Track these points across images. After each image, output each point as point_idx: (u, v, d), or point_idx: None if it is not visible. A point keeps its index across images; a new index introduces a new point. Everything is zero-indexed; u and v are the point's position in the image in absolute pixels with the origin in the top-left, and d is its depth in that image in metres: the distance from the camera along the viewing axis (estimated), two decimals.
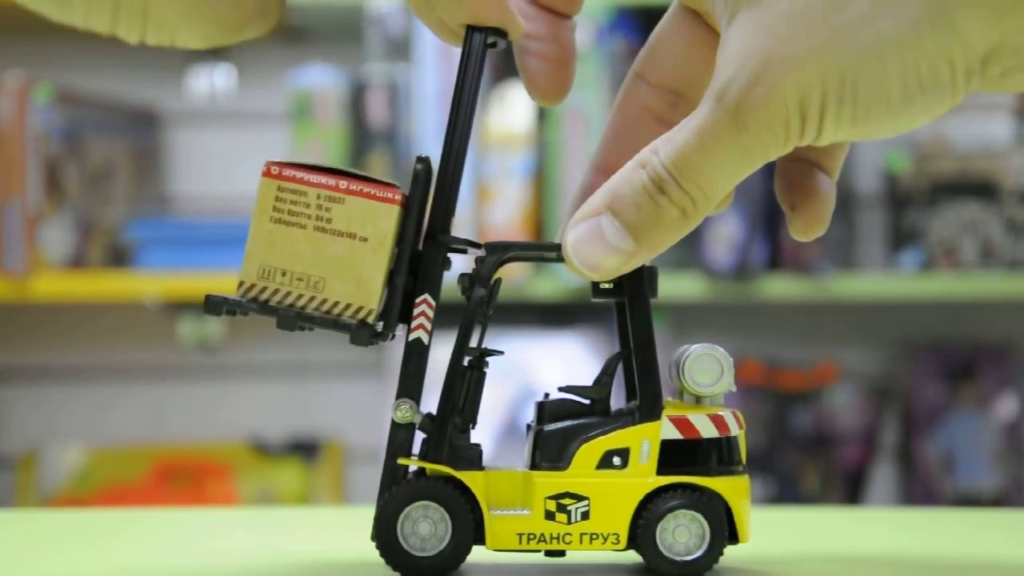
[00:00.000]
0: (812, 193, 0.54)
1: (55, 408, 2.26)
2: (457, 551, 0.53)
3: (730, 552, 0.56)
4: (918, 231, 2.04)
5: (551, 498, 0.53)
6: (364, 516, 0.55)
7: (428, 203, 0.54)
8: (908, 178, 2.06)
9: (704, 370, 0.55)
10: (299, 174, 0.53)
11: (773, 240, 2.01)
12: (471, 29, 0.53)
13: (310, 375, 2.27)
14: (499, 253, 0.54)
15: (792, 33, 0.46)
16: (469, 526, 0.53)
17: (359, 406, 2.18)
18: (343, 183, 0.53)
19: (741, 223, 1.97)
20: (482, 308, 0.53)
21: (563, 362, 2.01)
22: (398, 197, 0.53)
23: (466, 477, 0.53)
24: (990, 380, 2.14)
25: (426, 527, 0.53)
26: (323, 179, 0.53)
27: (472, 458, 0.53)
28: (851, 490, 2.12)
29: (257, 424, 2.25)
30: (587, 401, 0.55)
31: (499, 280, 0.54)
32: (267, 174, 0.53)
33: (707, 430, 0.54)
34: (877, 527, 0.73)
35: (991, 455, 2.11)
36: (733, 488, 0.54)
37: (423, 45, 2.03)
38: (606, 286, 0.55)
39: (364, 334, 0.52)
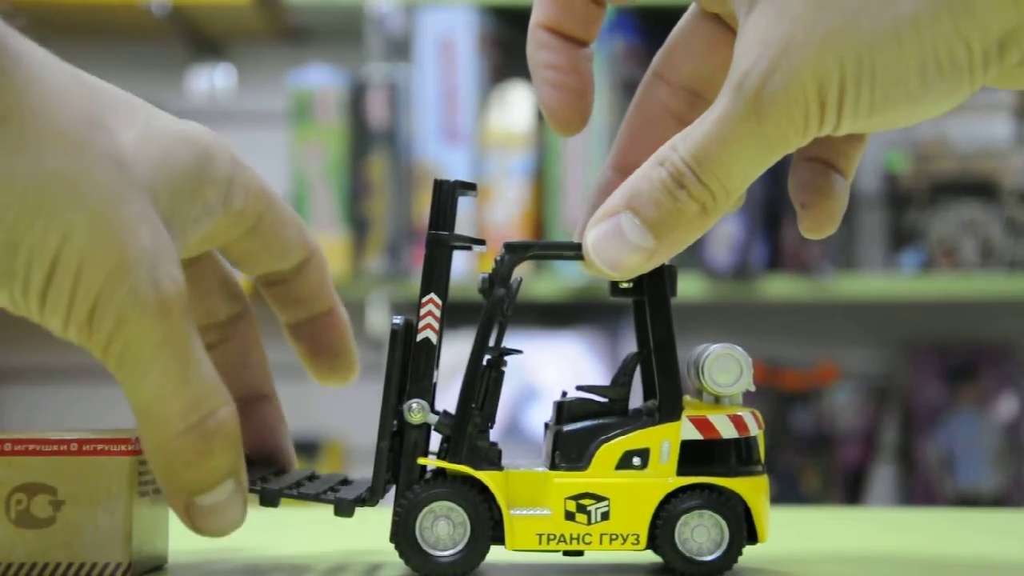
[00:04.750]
0: (825, 192, 0.54)
1: (55, 408, 2.26)
2: (476, 551, 0.53)
3: None
4: (918, 231, 2.04)
5: (571, 498, 0.53)
6: (364, 516, 0.55)
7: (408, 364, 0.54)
8: (908, 178, 2.06)
9: (724, 370, 0.55)
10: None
11: (773, 240, 2.01)
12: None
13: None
14: (518, 252, 0.54)
15: (810, 18, 0.45)
16: (488, 526, 0.53)
17: (359, 406, 2.17)
18: None
19: (741, 223, 1.97)
20: (501, 308, 0.53)
21: (563, 362, 2.01)
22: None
23: (486, 477, 0.52)
24: (990, 380, 2.14)
25: (445, 527, 0.53)
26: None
27: (492, 458, 0.53)
28: (851, 490, 2.12)
29: None
30: (604, 400, 0.55)
31: (520, 280, 0.54)
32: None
33: (727, 431, 0.54)
34: (877, 527, 0.73)
35: (991, 455, 2.11)
36: (752, 488, 0.54)
37: (423, 45, 2.03)
38: (625, 285, 0.55)
39: (349, 506, 0.54)
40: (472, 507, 0.52)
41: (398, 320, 0.54)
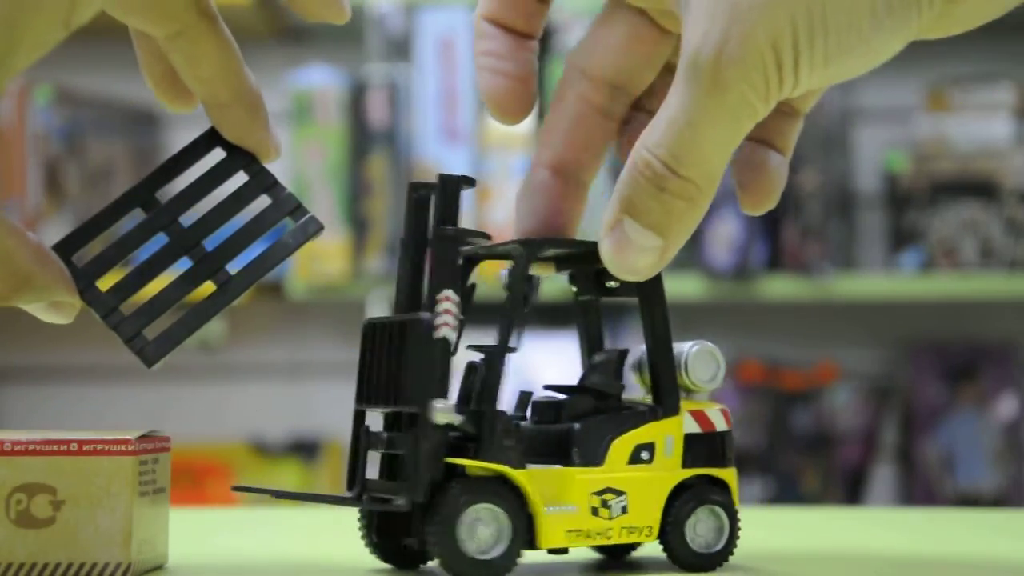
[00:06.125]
0: (761, 169, 0.55)
1: (56, 408, 2.26)
2: (514, 551, 0.52)
3: None
4: (918, 231, 2.04)
5: (595, 494, 0.53)
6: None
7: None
8: (908, 178, 2.06)
9: (705, 367, 0.56)
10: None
11: (773, 240, 2.01)
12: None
13: (310, 375, 2.27)
14: (534, 250, 0.54)
15: None
16: (524, 525, 0.52)
17: None
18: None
19: (741, 223, 1.97)
20: (519, 306, 0.53)
21: (563, 362, 2.01)
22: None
23: (522, 476, 0.52)
24: (990, 380, 2.14)
25: (484, 529, 0.52)
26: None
27: (517, 457, 0.53)
28: (851, 490, 2.12)
29: (257, 424, 2.25)
30: (603, 397, 0.56)
31: (538, 278, 0.54)
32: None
33: (720, 424, 0.56)
34: (877, 527, 0.73)
35: (991, 455, 2.11)
36: (734, 481, 0.56)
37: (423, 45, 2.03)
38: (612, 285, 0.56)
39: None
40: (510, 507, 0.52)
41: (426, 317, 0.53)
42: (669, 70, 0.55)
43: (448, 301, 0.52)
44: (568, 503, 0.53)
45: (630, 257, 0.49)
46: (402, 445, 0.52)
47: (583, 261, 0.55)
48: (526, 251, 0.53)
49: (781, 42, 0.46)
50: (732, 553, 0.55)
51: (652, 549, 0.56)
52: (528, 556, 0.54)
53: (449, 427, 0.52)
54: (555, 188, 0.55)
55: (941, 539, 0.68)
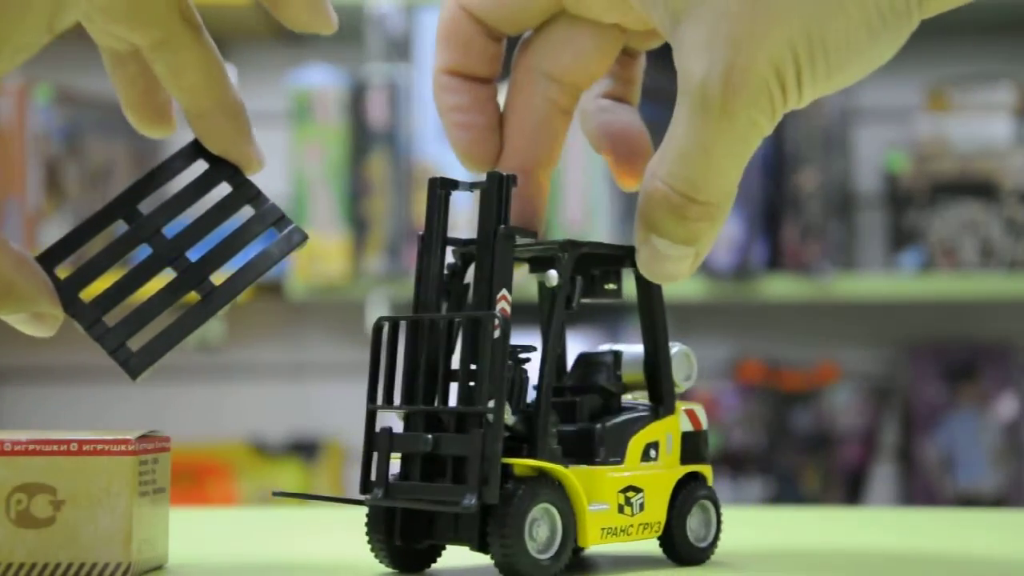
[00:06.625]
0: (626, 135, 0.57)
1: (55, 408, 2.26)
2: (567, 550, 0.52)
3: (730, 551, 0.56)
4: (918, 231, 2.04)
5: (621, 491, 0.54)
6: (363, 516, 0.55)
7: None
8: (908, 178, 2.06)
9: (683, 368, 0.57)
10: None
11: (773, 240, 2.01)
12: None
13: (310, 375, 2.27)
14: (574, 250, 0.54)
15: (749, 9, 0.46)
16: (573, 524, 0.53)
17: (359, 406, 2.17)
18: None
19: (741, 223, 1.97)
20: (568, 303, 0.54)
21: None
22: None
23: (573, 475, 0.52)
24: (990, 380, 2.14)
25: (544, 529, 0.52)
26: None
27: (559, 456, 0.53)
28: (851, 490, 2.12)
29: (257, 424, 2.25)
30: (606, 396, 0.56)
31: (580, 279, 0.55)
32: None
33: (705, 422, 0.58)
34: (877, 527, 0.73)
35: (991, 455, 2.11)
36: (710, 475, 0.57)
37: (423, 45, 2.03)
38: (610, 287, 0.56)
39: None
40: (563, 506, 0.52)
41: (498, 314, 0.53)
42: (624, 52, 0.56)
43: (505, 301, 0.53)
44: (602, 501, 0.54)
45: (666, 267, 0.51)
46: (454, 446, 0.52)
47: (612, 263, 0.56)
48: (569, 252, 0.54)
49: (783, 66, 0.47)
50: (716, 545, 0.56)
51: (622, 547, 0.56)
52: None
53: (504, 427, 0.52)
54: (527, 190, 0.56)
55: (941, 539, 0.68)
